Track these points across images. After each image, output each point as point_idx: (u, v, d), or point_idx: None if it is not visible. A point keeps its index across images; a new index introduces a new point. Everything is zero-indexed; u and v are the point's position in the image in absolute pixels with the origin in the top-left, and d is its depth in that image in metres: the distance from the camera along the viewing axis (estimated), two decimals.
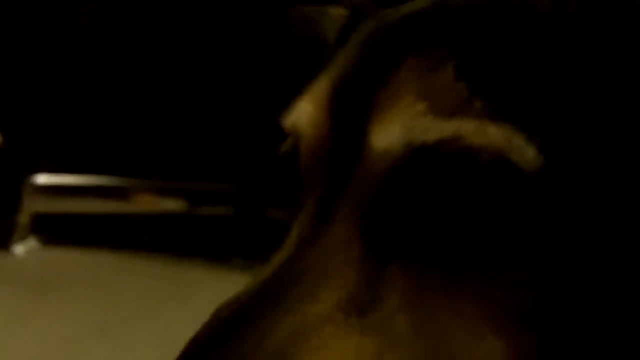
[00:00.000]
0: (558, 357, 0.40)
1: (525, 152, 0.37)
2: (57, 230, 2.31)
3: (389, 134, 0.40)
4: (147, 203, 2.40)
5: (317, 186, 0.44)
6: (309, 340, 0.39)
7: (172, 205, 2.40)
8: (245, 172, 2.29)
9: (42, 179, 2.28)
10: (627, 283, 0.38)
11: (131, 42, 2.41)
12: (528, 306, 0.39)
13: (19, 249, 2.20)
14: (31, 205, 2.27)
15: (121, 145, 2.39)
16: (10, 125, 2.36)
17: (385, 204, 0.41)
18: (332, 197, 0.43)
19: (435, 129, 0.39)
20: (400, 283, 0.40)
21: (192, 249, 2.22)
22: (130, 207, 2.39)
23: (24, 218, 2.25)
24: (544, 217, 0.38)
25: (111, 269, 2.06)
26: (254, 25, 2.24)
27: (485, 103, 0.38)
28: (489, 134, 0.38)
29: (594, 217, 0.37)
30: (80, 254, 2.21)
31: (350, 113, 0.42)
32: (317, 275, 0.41)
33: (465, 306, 0.39)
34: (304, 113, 0.45)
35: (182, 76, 2.38)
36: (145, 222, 2.36)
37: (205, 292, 1.69)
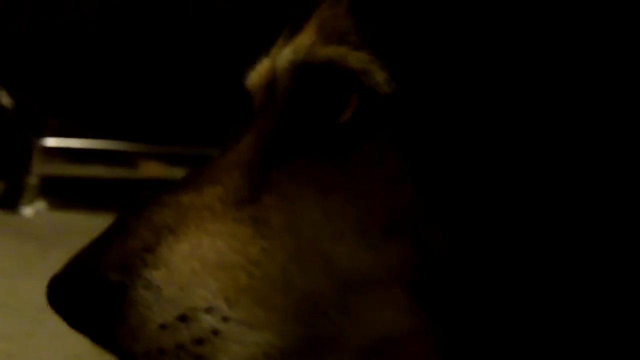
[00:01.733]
0: (440, 274, 0.46)
1: (377, 76, 0.46)
2: (65, 193, 2.36)
3: (283, 57, 0.50)
4: (153, 169, 2.45)
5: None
6: (187, 222, 0.47)
7: (178, 172, 2.44)
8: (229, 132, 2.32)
9: (52, 142, 2.34)
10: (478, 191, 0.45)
11: (140, 5, 2.44)
12: (396, 217, 0.46)
13: (27, 210, 2.27)
14: (40, 168, 2.33)
15: (130, 110, 2.43)
16: (20, 89, 2.41)
17: (281, 113, 0.50)
18: (250, 119, 0.53)
19: (315, 53, 0.48)
20: (279, 185, 0.48)
21: None
22: (136, 172, 2.44)
23: (32, 180, 2.31)
24: (400, 131, 0.45)
25: None
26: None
27: (361, 35, 0.47)
28: (352, 59, 0.46)
29: (443, 138, 0.45)
30: (86, 216, 2.26)
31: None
32: (210, 177, 0.49)
33: (334, 207, 0.47)
34: (259, 67, 0.55)
35: (193, 41, 2.41)
36: (151, 187, 2.41)
37: None
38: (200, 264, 0.47)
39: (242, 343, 0.47)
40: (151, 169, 2.45)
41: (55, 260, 1.58)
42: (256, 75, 0.54)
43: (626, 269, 0.44)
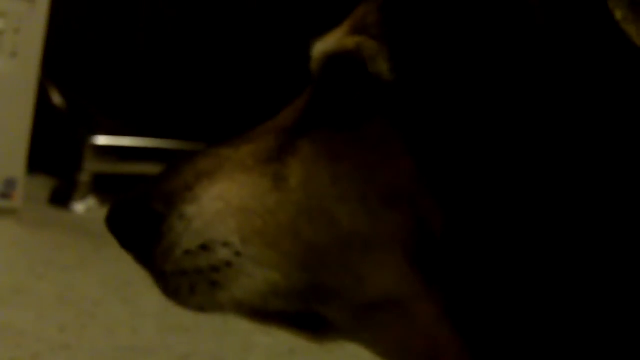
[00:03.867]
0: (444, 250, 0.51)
1: (380, 64, 0.53)
2: (115, 191, 2.41)
3: (317, 48, 0.58)
4: None
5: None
6: (223, 170, 0.57)
7: None
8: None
9: (103, 140, 2.39)
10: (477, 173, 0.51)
11: (192, 5, 2.47)
12: (396, 189, 0.52)
13: (79, 207, 2.33)
14: (91, 166, 2.38)
15: (178, 109, 2.48)
16: (73, 89, 2.47)
17: (312, 93, 0.59)
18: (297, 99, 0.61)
19: (341, 43, 0.56)
20: (302, 151, 0.56)
21: None
22: None
23: (84, 177, 2.36)
24: (400, 115, 0.53)
25: None
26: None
27: (381, 29, 0.54)
28: (365, 48, 0.54)
29: (437, 122, 0.52)
30: None
31: None
32: (250, 137, 0.59)
33: (342, 173, 0.54)
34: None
35: (245, 39, 2.43)
36: None
37: None
38: (225, 205, 0.56)
39: (252, 277, 0.55)
40: None
41: (108, 256, 1.65)
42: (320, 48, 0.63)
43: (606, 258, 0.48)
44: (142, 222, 0.57)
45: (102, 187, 2.38)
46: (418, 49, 0.53)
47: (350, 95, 0.55)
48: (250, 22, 2.47)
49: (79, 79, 2.51)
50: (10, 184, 2.05)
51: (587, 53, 0.50)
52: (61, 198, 2.33)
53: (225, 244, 0.55)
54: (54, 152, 2.44)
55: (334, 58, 0.57)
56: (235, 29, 2.47)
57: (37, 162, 2.22)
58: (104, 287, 1.62)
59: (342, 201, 0.54)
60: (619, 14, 0.48)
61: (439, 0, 0.54)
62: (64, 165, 2.40)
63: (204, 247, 0.56)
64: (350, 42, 0.55)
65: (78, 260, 1.80)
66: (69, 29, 2.46)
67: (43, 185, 2.36)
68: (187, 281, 0.56)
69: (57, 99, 2.42)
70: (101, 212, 2.08)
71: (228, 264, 0.55)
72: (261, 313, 0.57)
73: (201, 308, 0.57)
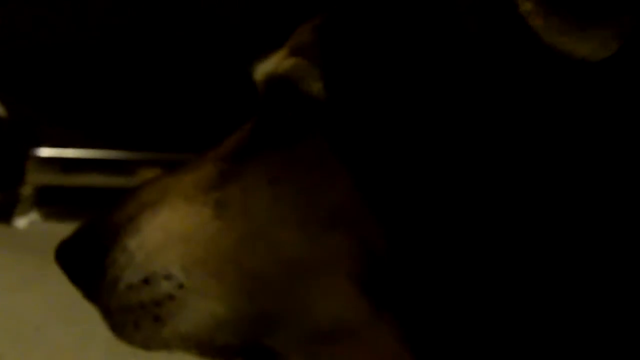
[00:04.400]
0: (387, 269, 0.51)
1: (312, 84, 0.54)
2: (59, 203, 2.35)
3: (260, 70, 0.59)
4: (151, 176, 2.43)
5: None
6: (165, 200, 0.58)
7: None
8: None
9: (46, 152, 2.33)
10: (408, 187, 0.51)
11: (136, 12, 2.44)
12: (337, 211, 0.52)
13: (21, 221, 2.26)
14: (34, 178, 2.32)
15: (125, 118, 2.43)
16: (14, 98, 2.40)
17: (259, 118, 0.59)
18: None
19: (280, 64, 0.56)
20: (242, 176, 0.56)
21: None
22: (134, 181, 2.43)
23: (27, 191, 2.30)
24: (332, 134, 0.53)
25: None
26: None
27: (314, 50, 0.55)
28: (297, 69, 0.55)
29: (369, 140, 0.52)
30: None
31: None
32: (193, 165, 0.59)
33: (281, 197, 0.54)
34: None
35: (188, 48, 2.41)
36: None
37: None
38: (167, 236, 0.57)
39: (195, 310, 0.55)
40: (149, 177, 2.44)
41: (54, 275, 1.56)
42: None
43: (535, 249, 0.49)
44: (87, 257, 0.58)
45: (45, 200, 2.32)
46: (349, 68, 0.54)
47: (287, 116, 0.55)
48: (199, 29, 2.43)
49: (20, 86, 2.45)
50: None
51: (501, 55, 0.50)
52: (2, 212, 2.25)
53: (167, 277, 0.55)
54: None
55: (273, 80, 0.57)
56: (184, 38, 2.43)
57: None
58: (48, 310, 1.55)
59: (282, 226, 0.54)
60: (525, 7, 0.48)
61: (369, 20, 0.54)
62: (5, 178, 2.33)
63: (146, 281, 0.56)
64: (287, 63, 0.56)
65: (20, 280, 1.73)
66: (9, 34, 2.40)
67: None
68: (131, 317, 0.56)
69: None
70: (45, 227, 2.01)
71: (171, 298, 0.55)
72: (208, 348, 0.57)
73: (146, 345, 0.56)
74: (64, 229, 2.02)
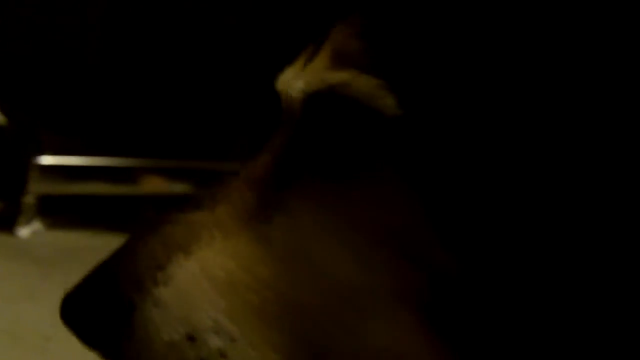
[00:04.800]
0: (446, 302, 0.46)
1: (383, 101, 0.46)
2: (63, 212, 2.34)
3: (297, 85, 0.51)
4: (154, 184, 2.43)
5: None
6: (199, 240, 0.49)
7: (179, 186, 2.43)
8: (254, 151, 2.31)
9: (48, 160, 2.32)
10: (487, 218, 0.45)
11: (137, 20, 2.44)
12: (404, 240, 0.46)
13: (24, 231, 2.25)
14: (37, 187, 2.31)
15: (128, 125, 2.42)
16: (15, 107, 2.39)
17: (294, 136, 0.51)
18: (269, 139, 0.53)
19: (325, 80, 0.49)
20: (290, 205, 0.49)
21: None
22: (137, 188, 2.42)
23: (29, 200, 2.29)
24: (407, 156, 0.46)
25: None
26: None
27: (370, 59, 0.47)
28: (358, 84, 0.47)
29: (451, 162, 0.46)
30: (86, 236, 2.24)
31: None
32: (223, 194, 0.51)
33: (342, 229, 0.47)
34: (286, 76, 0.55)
35: (188, 55, 2.41)
36: (152, 203, 2.40)
37: None
38: (209, 282, 0.48)
39: None
40: (152, 185, 2.44)
41: (59, 284, 1.54)
42: (283, 83, 0.55)
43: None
44: (107, 313, 0.48)
45: (48, 209, 2.31)
46: (423, 77, 0.47)
47: (344, 138, 0.48)
48: (197, 36, 2.42)
49: (22, 95, 2.43)
50: None
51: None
52: (5, 222, 2.24)
53: (216, 330, 0.47)
54: None
55: (318, 96, 0.49)
56: (180, 41, 2.43)
57: None
58: (56, 320, 1.51)
59: (346, 260, 0.47)
60: None
61: (434, 14, 0.48)
62: (7, 187, 2.33)
63: (191, 338, 0.47)
64: (337, 77, 0.48)
65: (25, 290, 1.71)
66: (11, 43, 2.39)
67: None
68: None
69: None
70: (48, 236, 2.00)
71: (222, 355, 0.47)
72: None
73: None
74: (67, 238, 2.01)
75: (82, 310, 0.50)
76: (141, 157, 2.37)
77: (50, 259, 1.99)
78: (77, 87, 2.44)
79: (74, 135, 2.43)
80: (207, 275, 0.48)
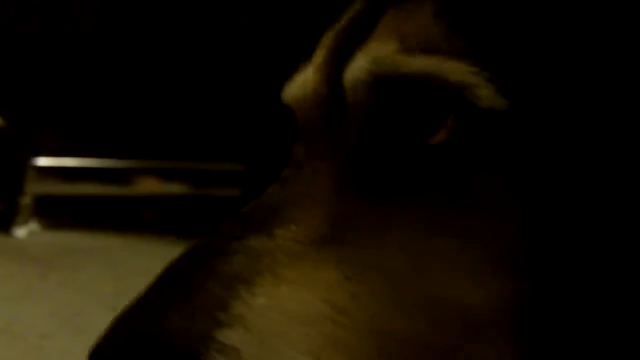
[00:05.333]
0: (542, 314, 0.41)
1: (482, 91, 0.39)
2: (59, 213, 2.35)
3: (357, 67, 0.43)
4: (150, 185, 2.44)
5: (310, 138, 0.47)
6: (262, 270, 0.41)
7: (176, 187, 2.43)
8: (253, 152, 2.33)
9: (45, 161, 2.34)
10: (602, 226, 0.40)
11: (132, 22, 2.44)
12: (507, 250, 0.40)
13: (21, 231, 2.26)
14: (33, 188, 2.32)
15: (124, 126, 2.42)
16: (12, 108, 2.39)
17: (361, 135, 0.43)
18: (317, 140, 0.45)
19: (400, 64, 0.41)
20: (365, 220, 0.42)
21: (198, 230, 2.26)
22: (132, 189, 2.43)
23: (26, 200, 2.30)
24: (515, 155, 0.40)
25: (118, 249, 2.11)
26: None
27: (455, 43, 0.40)
28: (449, 71, 0.40)
29: (564, 161, 0.40)
30: (82, 236, 2.25)
31: (341, 66, 0.45)
32: (279, 214, 0.43)
33: (432, 243, 0.41)
34: (302, 78, 0.48)
35: (184, 56, 2.41)
36: (149, 204, 2.41)
37: None
38: (282, 318, 0.40)
39: None
40: (147, 185, 2.44)
41: (55, 283, 1.57)
42: (299, 88, 0.47)
43: None
44: None
45: (45, 210, 2.32)
46: (530, 64, 0.40)
47: (426, 134, 0.41)
48: (193, 38, 2.43)
49: (19, 97, 2.44)
50: None
51: None
52: (1, 222, 2.25)
53: None
54: None
55: (390, 83, 0.42)
56: (174, 43, 2.43)
57: None
58: (53, 318, 1.54)
59: (441, 278, 0.41)
60: None
61: None
62: (4, 188, 2.33)
63: None
64: (422, 63, 0.41)
65: (23, 289, 1.73)
66: (7, 45, 2.39)
67: None
68: None
69: None
70: (44, 236, 2.00)
71: None
72: None
73: None
74: (63, 239, 2.02)
75: None
76: (136, 158, 2.38)
77: (47, 258, 2.00)
78: (73, 89, 2.44)
79: (71, 136, 2.43)
80: (278, 309, 0.41)
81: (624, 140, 0.39)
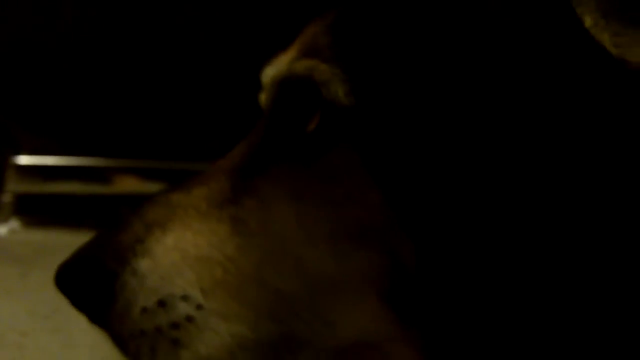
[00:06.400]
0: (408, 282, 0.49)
1: (337, 89, 0.50)
2: (39, 211, 2.35)
3: (267, 73, 0.56)
4: (128, 184, 2.45)
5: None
6: (175, 218, 0.54)
7: (154, 186, 2.44)
8: (228, 151, 2.33)
9: (25, 159, 2.34)
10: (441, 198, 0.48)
11: (110, 22, 2.44)
12: (369, 227, 0.49)
13: (1, 229, 2.26)
14: (14, 186, 2.33)
15: (103, 126, 2.43)
16: None
17: (266, 125, 0.55)
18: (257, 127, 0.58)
19: (292, 67, 0.53)
20: (259, 190, 0.53)
21: None
22: (111, 188, 2.44)
23: (6, 199, 2.31)
24: (362, 142, 0.49)
25: None
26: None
27: (333, 52, 0.51)
28: (317, 72, 0.51)
29: (402, 149, 0.48)
30: (62, 234, 2.25)
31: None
32: (200, 179, 0.57)
33: (305, 212, 0.51)
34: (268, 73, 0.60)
35: (163, 56, 2.41)
36: (129, 203, 2.41)
37: None
38: (181, 256, 0.53)
39: (216, 332, 0.51)
40: (126, 184, 2.46)
41: (36, 282, 1.59)
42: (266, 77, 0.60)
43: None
44: (94, 282, 0.55)
45: (25, 208, 2.33)
46: (376, 69, 0.50)
47: (306, 124, 0.53)
48: (172, 37, 2.43)
49: None
50: None
51: (556, 64, 0.47)
52: None
53: (185, 298, 0.52)
54: None
55: (286, 84, 0.55)
56: (152, 43, 2.43)
57: None
58: (31, 317, 1.56)
59: (307, 242, 0.51)
60: (588, 21, 0.46)
61: (394, 15, 0.51)
62: None
63: (162, 303, 0.53)
64: (302, 65, 0.53)
65: (3, 287, 1.73)
66: None
67: None
68: (146, 342, 0.52)
69: None
70: (25, 235, 2.01)
71: (189, 319, 0.52)
72: None
73: None
74: (44, 237, 2.03)
75: (74, 279, 0.56)
76: (116, 157, 2.40)
77: (27, 256, 2.01)
78: (53, 88, 2.44)
79: (51, 135, 2.43)
80: (179, 249, 0.53)
81: (442, 130, 0.47)
